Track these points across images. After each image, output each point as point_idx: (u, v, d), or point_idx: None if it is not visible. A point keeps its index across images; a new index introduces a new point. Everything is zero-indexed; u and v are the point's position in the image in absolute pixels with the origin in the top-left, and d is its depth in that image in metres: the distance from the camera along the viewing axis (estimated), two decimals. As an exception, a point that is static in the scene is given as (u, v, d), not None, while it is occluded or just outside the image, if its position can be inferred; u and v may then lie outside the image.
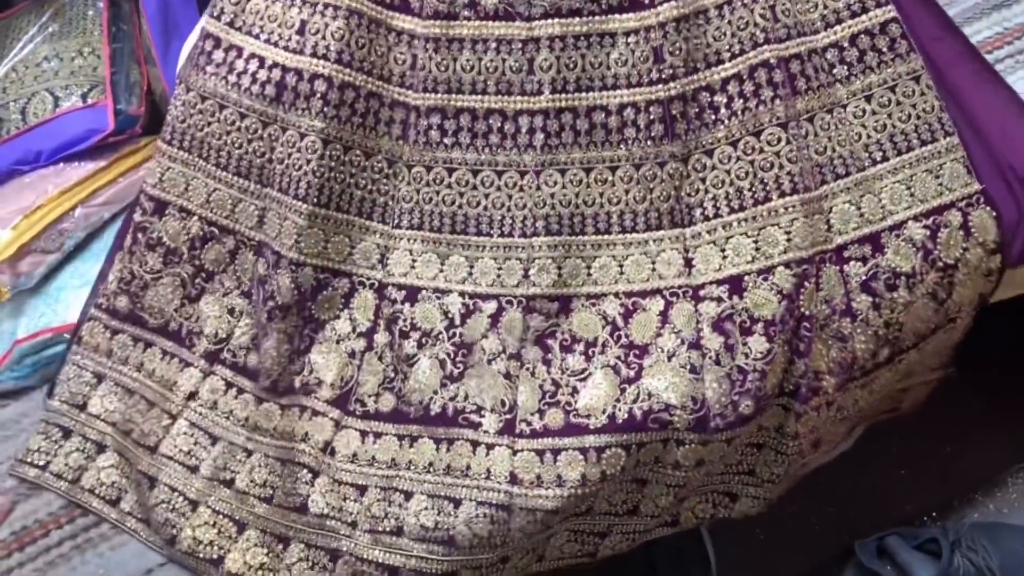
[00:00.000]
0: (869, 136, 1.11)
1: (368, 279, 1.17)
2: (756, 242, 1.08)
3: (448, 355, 1.13)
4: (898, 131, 1.11)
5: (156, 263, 1.23)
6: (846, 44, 1.12)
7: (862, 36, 1.12)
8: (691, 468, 1.06)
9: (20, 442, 1.31)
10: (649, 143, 1.11)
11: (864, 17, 1.12)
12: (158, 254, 1.23)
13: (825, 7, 1.12)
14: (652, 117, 1.11)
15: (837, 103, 1.12)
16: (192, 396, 1.20)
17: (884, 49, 1.12)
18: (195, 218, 1.21)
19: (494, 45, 1.13)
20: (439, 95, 1.14)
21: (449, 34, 1.13)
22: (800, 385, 1.06)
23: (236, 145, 1.19)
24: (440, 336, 1.14)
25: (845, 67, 1.12)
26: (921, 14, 1.16)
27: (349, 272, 1.17)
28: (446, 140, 1.14)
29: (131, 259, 1.24)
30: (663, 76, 1.10)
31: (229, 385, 1.20)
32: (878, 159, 1.11)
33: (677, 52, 1.10)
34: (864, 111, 1.12)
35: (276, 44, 1.17)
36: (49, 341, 1.33)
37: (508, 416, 1.10)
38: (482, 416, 1.11)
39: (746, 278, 1.07)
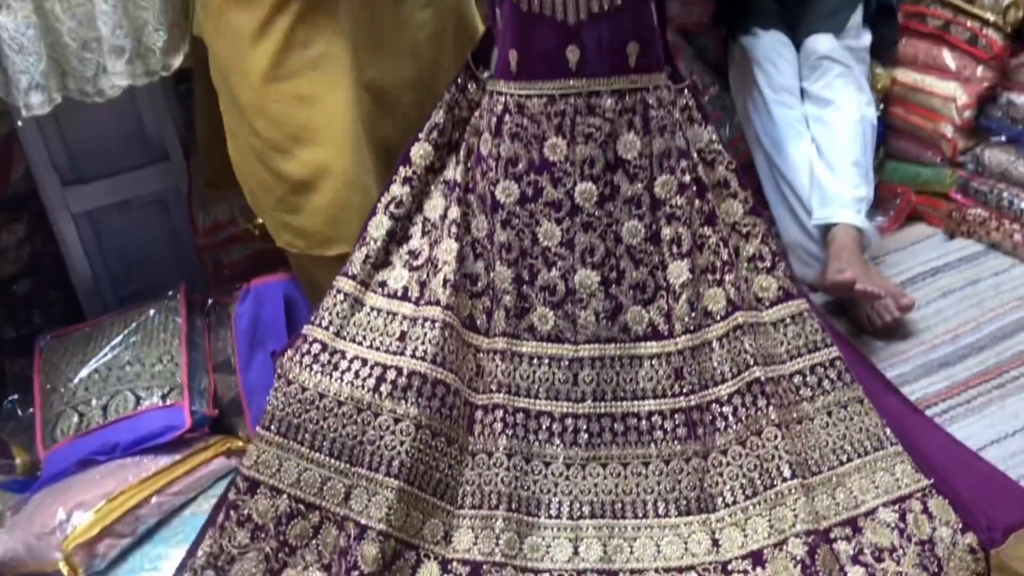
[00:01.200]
0: (835, 442, 1.36)
1: (434, 553, 1.29)
2: (770, 520, 1.28)
3: None
4: (855, 439, 1.37)
5: (244, 539, 1.32)
6: (807, 372, 1.39)
7: (818, 367, 1.40)
8: None
9: None
10: (676, 443, 1.34)
11: (817, 354, 1.40)
12: (246, 530, 1.32)
13: (789, 344, 1.41)
14: (676, 422, 1.34)
15: (805, 416, 1.37)
16: None
17: (834, 378, 1.40)
18: (284, 496, 1.32)
19: (547, 361, 1.36)
20: (501, 395, 1.35)
21: (512, 350, 1.36)
22: None
23: (332, 429, 1.33)
24: None
25: (809, 389, 1.39)
26: (869, 379, 1.46)
27: (417, 545, 1.30)
28: (506, 431, 1.33)
29: (221, 534, 1.32)
30: (683, 390, 1.35)
31: None
32: (844, 460, 1.35)
33: (692, 372, 1.36)
34: (827, 423, 1.37)
35: (378, 349, 1.36)
36: (116, 621, 1.40)
37: None
38: None
39: (765, 551, 1.27)
